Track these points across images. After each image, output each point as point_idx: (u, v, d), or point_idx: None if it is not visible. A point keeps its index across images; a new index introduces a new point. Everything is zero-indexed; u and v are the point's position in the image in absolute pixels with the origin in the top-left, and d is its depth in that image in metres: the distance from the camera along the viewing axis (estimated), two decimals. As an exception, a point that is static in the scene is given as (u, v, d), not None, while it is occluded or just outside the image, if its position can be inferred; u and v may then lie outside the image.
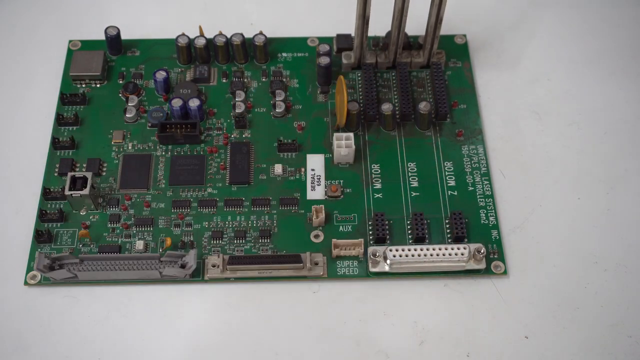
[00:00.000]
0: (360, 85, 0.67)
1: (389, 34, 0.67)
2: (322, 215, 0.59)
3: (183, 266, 0.55)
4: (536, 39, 0.71)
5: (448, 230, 0.59)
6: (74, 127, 0.64)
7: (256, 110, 0.65)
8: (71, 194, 0.58)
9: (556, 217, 0.61)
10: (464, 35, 0.70)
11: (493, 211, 0.60)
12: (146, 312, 0.56)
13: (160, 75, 0.65)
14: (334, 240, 0.57)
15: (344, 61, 0.67)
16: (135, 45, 0.69)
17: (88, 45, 0.69)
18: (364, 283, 0.58)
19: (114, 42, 0.67)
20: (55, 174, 0.61)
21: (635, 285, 0.58)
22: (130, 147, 0.63)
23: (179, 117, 0.63)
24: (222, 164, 0.62)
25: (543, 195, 0.62)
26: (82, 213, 0.60)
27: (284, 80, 0.67)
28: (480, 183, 0.62)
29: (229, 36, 0.66)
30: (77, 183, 0.58)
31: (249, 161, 0.62)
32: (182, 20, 0.71)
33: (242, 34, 0.66)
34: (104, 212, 0.60)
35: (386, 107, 0.63)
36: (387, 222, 0.59)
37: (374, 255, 0.57)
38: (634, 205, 0.61)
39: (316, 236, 0.59)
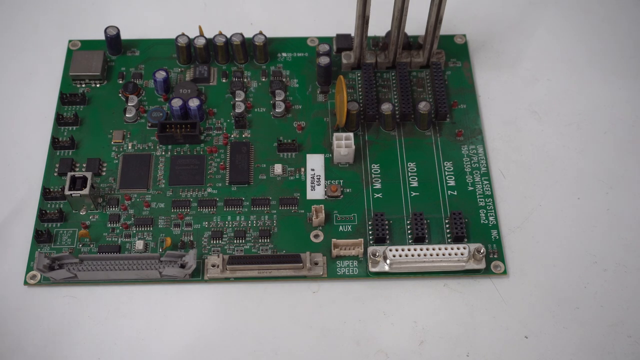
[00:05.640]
0: (360, 85, 0.67)
1: (388, 34, 0.67)
2: (322, 215, 0.59)
3: (183, 266, 0.55)
4: (536, 39, 0.71)
5: (448, 230, 0.59)
6: (74, 127, 0.64)
7: (256, 110, 0.65)
8: (71, 194, 0.58)
9: (556, 217, 0.61)
10: (464, 35, 0.70)
11: (493, 211, 0.60)
12: (146, 312, 0.56)
13: (160, 75, 0.65)
14: (333, 240, 0.57)
15: (344, 61, 0.67)
16: (135, 45, 0.69)
17: (88, 45, 0.69)
18: (364, 283, 0.58)
19: (113, 42, 0.67)
20: (55, 174, 0.61)
21: (635, 285, 0.58)
22: (130, 147, 0.63)
23: (179, 117, 0.63)
24: (222, 164, 0.62)
25: (543, 195, 0.62)
26: (82, 213, 0.60)
27: (284, 80, 0.67)
28: (480, 183, 0.62)
29: (228, 36, 0.66)
30: (77, 183, 0.58)
31: (249, 161, 0.62)
32: (182, 20, 0.71)
33: (241, 34, 0.66)
34: (103, 212, 0.60)
35: (386, 107, 0.63)
36: (387, 222, 0.59)
37: (374, 255, 0.57)
38: (634, 205, 0.61)
39: (316, 236, 0.59)
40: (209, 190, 0.61)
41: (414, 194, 0.61)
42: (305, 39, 0.70)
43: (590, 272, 0.58)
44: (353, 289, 0.57)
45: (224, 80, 0.67)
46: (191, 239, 0.59)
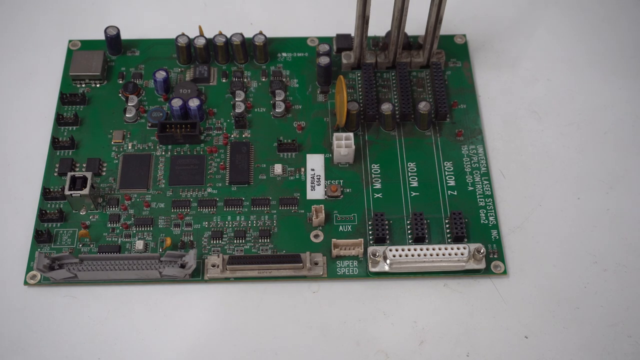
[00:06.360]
0: (360, 85, 0.67)
1: (388, 34, 0.67)
2: (322, 215, 0.59)
3: (183, 266, 0.55)
4: (536, 39, 0.71)
5: (448, 230, 0.59)
6: (74, 127, 0.64)
7: (256, 110, 0.65)
8: (71, 194, 0.58)
9: (556, 217, 0.61)
10: (464, 35, 0.70)
11: (493, 211, 0.60)
12: (146, 312, 0.56)
13: (160, 75, 0.65)
14: (333, 240, 0.57)
15: (344, 61, 0.67)
16: (135, 45, 0.69)
17: (88, 45, 0.69)
18: (364, 283, 0.58)
19: (113, 42, 0.67)
20: (55, 174, 0.61)
21: (635, 285, 0.58)
22: (130, 147, 0.63)
23: (179, 117, 0.63)
24: (222, 164, 0.62)
25: (543, 195, 0.62)
26: (82, 213, 0.60)
27: (284, 80, 0.67)
28: (480, 183, 0.62)
29: (228, 36, 0.66)
30: (77, 183, 0.58)
31: (249, 161, 0.62)
32: (182, 20, 0.71)
33: (241, 34, 0.66)
34: (103, 212, 0.60)
35: (386, 107, 0.63)
36: (387, 222, 0.59)
37: (374, 255, 0.57)
38: (634, 205, 0.61)
39: (316, 236, 0.59)
40: (209, 190, 0.61)
41: (414, 194, 0.61)
42: (305, 39, 0.70)
43: (590, 272, 0.58)
44: (353, 289, 0.57)
45: (224, 80, 0.67)
46: (191, 239, 0.59)
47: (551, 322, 0.56)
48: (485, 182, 0.62)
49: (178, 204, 0.60)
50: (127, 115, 0.64)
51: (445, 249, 0.56)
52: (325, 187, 0.61)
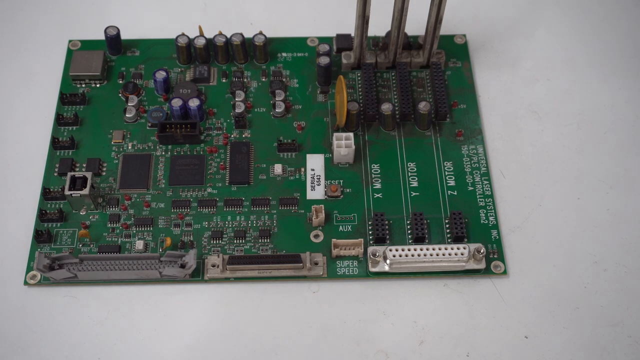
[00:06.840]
0: (360, 85, 0.67)
1: (388, 34, 0.67)
2: (322, 215, 0.59)
3: (183, 266, 0.55)
4: (536, 39, 0.71)
5: (448, 230, 0.59)
6: (74, 127, 0.64)
7: (256, 110, 0.65)
8: (71, 194, 0.58)
9: (556, 217, 0.61)
10: (464, 35, 0.70)
11: (493, 211, 0.60)
12: (146, 312, 0.56)
13: (160, 75, 0.65)
14: (333, 240, 0.57)
15: (344, 61, 0.67)
16: (135, 45, 0.69)
17: (88, 45, 0.69)
18: (364, 283, 0.58)
19: (113, 42, 0.67)
20: (55, 174, 0.61)
21: (635, 285, 0.58)
22: (130, 147, 0.63)
23: (179, 117, 0.63)
24: (222, 164, 0.62)
25: (543, 195, 0.62)
26: (82, 213, 0.60)
27: (284, 80, 0.67)
28: (480, 183, 0.62)
29: (228, 36, 0.66)
30: (77, 183, 0.58)
31: (249, 161, 0.62)
32: (182, 20, 0.71)
33: (241, 34, 0.66)
34: (103, 212, 0.60)
35: (386, 107, 0.63)
36: (387, 222, 0.59)
37: (374, 255, 0.57)
38: (634, 205, 0.61)
39: (316, 236, 0.59)
40: (209, 190, 0.61)
41: (414, 194, 0.61)
42: (305, 39, 0.70)
43: (590, 272, 0.58)
44: (353, 289, 0.57)
45: (224, 80, 0.67)
46: (191, 239, 0.59)
47: (551, 322, 0.56)
48: (485, 182, 0.62)
49: (178, 204, 0.60)
50: (127, 115, 0.64)
51: (445, 249, 0.56)
52: (325, 187, 0.61)
